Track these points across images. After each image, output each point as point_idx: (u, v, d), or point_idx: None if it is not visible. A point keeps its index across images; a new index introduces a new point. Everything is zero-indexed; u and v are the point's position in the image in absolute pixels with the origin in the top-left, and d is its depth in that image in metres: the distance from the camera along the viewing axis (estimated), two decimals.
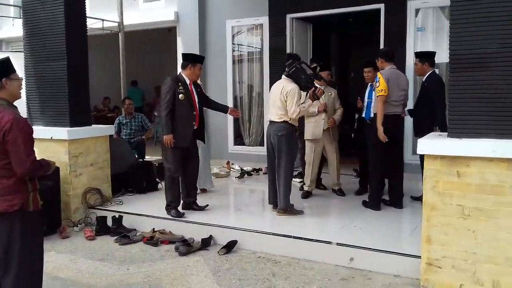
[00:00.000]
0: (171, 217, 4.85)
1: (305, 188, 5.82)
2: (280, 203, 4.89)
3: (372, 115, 5.36)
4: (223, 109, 5.39)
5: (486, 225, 3.24)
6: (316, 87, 4.80)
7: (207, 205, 5.19)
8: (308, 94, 4.85)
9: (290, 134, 4.83)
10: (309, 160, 5.73)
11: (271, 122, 4.92)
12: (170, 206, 4.94)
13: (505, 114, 3.21)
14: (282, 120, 4.79)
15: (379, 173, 5.04)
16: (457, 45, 3.35)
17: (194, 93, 4.97)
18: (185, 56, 5.06)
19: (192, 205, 5.13)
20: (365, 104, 5.57)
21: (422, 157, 3.82)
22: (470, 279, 3.28)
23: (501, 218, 3.19)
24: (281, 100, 4.75)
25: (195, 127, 4.96)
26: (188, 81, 4.90)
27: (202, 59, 5.15)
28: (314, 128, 5.63)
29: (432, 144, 3.40)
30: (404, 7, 6.45)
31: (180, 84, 4.83)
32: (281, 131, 4.79)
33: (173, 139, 4.77)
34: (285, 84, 4.78)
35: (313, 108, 5.37)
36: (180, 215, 4.87)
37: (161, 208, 5.02)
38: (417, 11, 6.46)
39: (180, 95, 4.78)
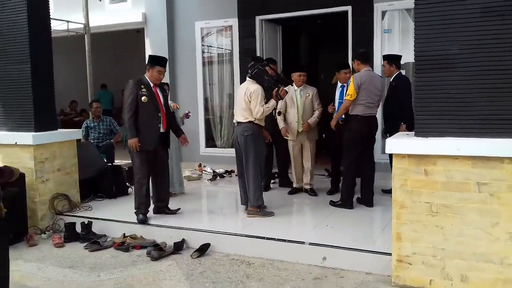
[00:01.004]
0: None
1: (294, 185, 6.04)
2: (250, 202, 4.92)
3: (343, 116, 5.45)
4: (178, 131, 5.19)
5: (453, 222, 3.33)
6: (279, 87, 4.84)
7: (179, 208, 5.13)
8: (273, 94, 4.89)
9: (256, 134, 4.88)
10: (291, 160, 5.97)
11: (238, 123, 4.99)
12: (137, 212, 4.87)
13: (468, 113, 3.31)
14: (247, 120, 4.86)
15: (352, 173, 5.11)
16: (421, 46, 3.43)
17: (160, 96, 4.85)
18: (148, 58, 5.04)
19: (163, 209, 5.06)
20: (336, 104, 5.63)
21: (391, 156, 3.89)
22: (440, 274, 3.36)
23: (467, 214, 3.29)
24: (245, 101, 4.83)
25: (162, 130, 4.85)
26: (151, 83, 4.79)
27: (162, 62, 4.86)
28: (289, 130, 5.80)
29: (400, 143, 3.47)
30: (371, 9, 6.58)
31: (142, 86, 4.72)
32: (247, 131, 4.86)
33: (138, 142, 4.68)
34: (248, 86, 4.88)
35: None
36: (143, 221, 4.77)
37: (131, 213, 4.94)
38: (383, 13, 6.60)
39: (143, 97, 4.68)
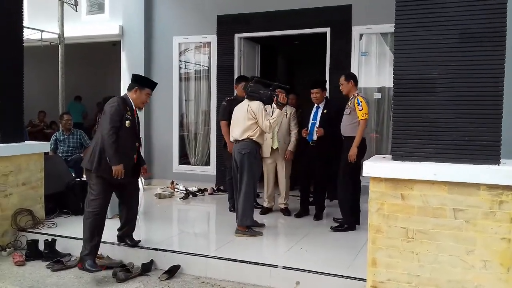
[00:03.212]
0: (110, 241, 4.56)
1: (264, 204, 5.91)
2: (238, 221, 4.84)
3: (315, 137, 5.48)
4: (140, 160, 4.50)
5: (428, 248, 3.28)
6: (277, 96, 4.81)
7: (139, 240, 4.53)
8: (274, 105, 4.92)
9: (254, 152, 4.85)
10: (265, 177, 5.89)
11: (236, 141, 4.96)
12: (86, 255, 4.10)
13: (446, 138, 3.29)
14: (246, 137, 4.84)
15: (354, 194, 5.14)
16: (400, 70, 3.42)
17: (137, 122, 4.34)
18: (134, 77, 4.41)
19: (125, 239, 4.49)
20: (309, 125, 5.60)
21: None
22: None
23: (442, 241, 3.24)
24: (248, 118, 4.83)
25: (133, 161, 4.32)
26: (134, 106, 4.27)
27: (153, 85, 4.39)
28: (263, 147, 5.65)
29: (377, 166, 3.42)
30: (349, 32, 6.63)
31: (128, 108, 4.17)
32: (245, 149, 4.83)
33: (123, 169, 4.08)
34: (249, 103, 4.88)
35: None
36: (92, 268, 4.04)
37: None
38: (361, 36, 6.66)
39: (127, 122, 4.11)
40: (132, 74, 4.46)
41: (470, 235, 3.17)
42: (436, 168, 3.22)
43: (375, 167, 3.41)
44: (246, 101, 4.97)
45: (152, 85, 4.37)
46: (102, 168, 4.07)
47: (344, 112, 5.21)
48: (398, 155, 3.44)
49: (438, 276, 3.25)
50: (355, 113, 5.01)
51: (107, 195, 4.22)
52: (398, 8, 3.41)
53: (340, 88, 5.30)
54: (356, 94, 5.10)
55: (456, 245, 3.21)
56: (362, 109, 4.96)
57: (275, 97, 4.80)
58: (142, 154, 4.59)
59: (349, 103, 5.13)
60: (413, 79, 3.37)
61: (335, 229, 5.11)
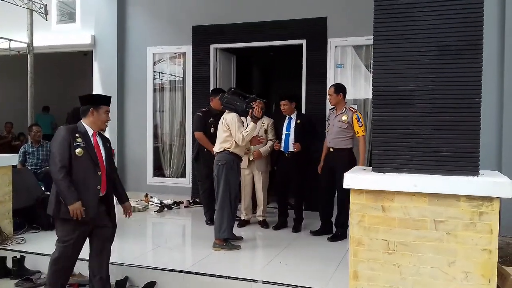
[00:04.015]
0: (82, 257, 4.37)
1: (242, 216, 5.84)
2: (215, 234, 4.77)
3: (291, 148, 5.50)
4: (122, 196, 3.93)
5: (410, 260, 3.26)
6: (252, 108, 4.76)
7: None
8: (249, 117, 4.84)
9: (230, 163, 4.79)
10: (241, 189, 5.77)
11: (215, 153, 4.94)
12: None
13: (425, 150, 3.30)
14: (222, 149, 4.82)
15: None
16: (379, 82, 3.42)
17: (101, 146, 3.70)
18: (84, 99, 3.74)
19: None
20: (283, 136, 5.60)
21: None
22: None
23: (423, 253, 3.23)
24: (223, 130, 4.82)
25: (100, 194, 3.65)
26: (90, 132, 3.66)
27: (108, 100, 3.82)
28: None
29: (357, 178, 3.40)
30: (325, 44, 6.68)
31: (78, 135, 3.57)
32: (221, 161, 4.80)
33: (82, 206, 3.47)
34: (225, 116, 4.88)
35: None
36: None
37: None
38: (336, 48, 6.71)
39: (77, 150, 3.51)
40: (79, 97, 3.76)
41: (451, 246, 3.17)
42: (416, 180, 3.22)
43: (355, 179, 3.39)
44: (224, 114, 4.95)
45: (107, 100, 3.80)
46: (62, 211, 3.51)
47: (333, 124, 5.26)
48: (378, 166, 3.42)
49: None
50: (352, 128, 5.14)
51: (77, 241, 3.60)
52: (376, 20, 3.42)
53: (329, 99, 5.35)
54: (353, 109, 5.23)
55: (437, 256, 3.20)
56: (362, 125, 5.15)
57: (251, 109, 4.76)
58: (119, 183, 3.97)
59: (345, 117, 5.18)
60: (391, 91, 3.38)
61: (331, 239, 5.17)
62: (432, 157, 3.28)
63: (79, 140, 3.55)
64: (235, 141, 4.77)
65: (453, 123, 3.23)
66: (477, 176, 3.17)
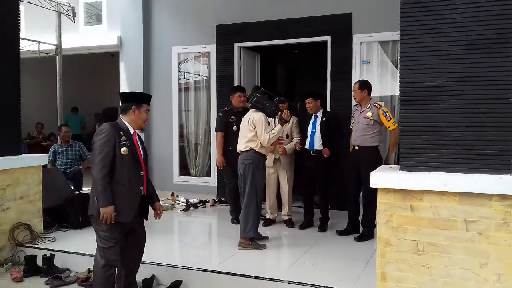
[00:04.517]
0: None
1: (267, 215, 5.81)
2: (240, 233, 4.75)
3: (316, 146, 5.46)
4: (153, 196, 3.76)
5: (440, 261, 3.18)
6: (282, 111, 4.78)
7: None
8: (277, 119, 4.85)
9: (256, 163, 4.76)
10: (266, 188, 5.73)
11: (239, 152, 4.90)
12: None
13: (455, 148, 3.20)
14: (248, 148, 4.78)
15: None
16: (407, 78, 3.34)
17: (140, 146, 3.56)
18: (126, 96, 3.64)
19: None
20: (309, 134, 5.54)
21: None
22: None
23: (454, 254, 3.15)
24: (249, 130, 4.77)
25: (142, 193, 3.54)
26: (131, 130, 3.51)
27: (149, 99, 3.69)
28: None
29: (385, 177, 3.32)
30: (350, 40, 6.57)
31: (122, 133, 3.42)
32: (247, 160, 4.76)
33: (114, 211, 3.35)
34: (251, 115, 4.83)
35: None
36: None
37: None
38: (362, 44, 6.60)
39: (123, 149, 3.36)
40: (120, 94, 3.71)
41: (483, 247, 3.08)
42: (446, 178, 3.13)
43: (382, 178, 3.32)
44: (250, 112, 4.91)
45: (149, 99, 3.68)
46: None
47: (358, 121, 5.16)
48: (406, 165, 3.34)
49: None
50: (379, 124, 5.05)
51: (120, 241, 3.44)
52: (403, 15, 3.33)
53: (353, 95, 5.27)
54: (377, 105, 5.12)
55: (468, 258, 3.11)
56: (391, 118, 5.06)
57: (280, 112, 4.75)
58: (151, 184, 3.78)
59: (370, 113, 5.07)
60: (420, 87, 3.29)
61: (358, 238, 5.09)
62: (463, 154, 3.18)
63: (124, 138, 3.40)
64: (260, 141, 4.74)
65: (484, 119, 3.13)
66: (510, 174, 3.05)
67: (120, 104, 3.61)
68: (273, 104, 4.77)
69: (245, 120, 4.89)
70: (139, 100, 3.57)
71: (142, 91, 7.88)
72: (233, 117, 5.75)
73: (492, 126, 3.12)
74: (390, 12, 5.71)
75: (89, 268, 4.30)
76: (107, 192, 3.30)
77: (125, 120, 3.50)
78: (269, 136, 4.69)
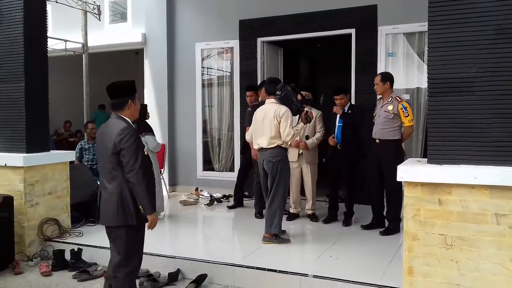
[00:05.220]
0: None
1: (291, 210, 5.80)
2: (266, 227, 4.72)
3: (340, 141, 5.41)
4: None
5: (469, 255, 3.11)
6: (307, 110, 4.73)
7: None
8: (300, 118, 4.78)
9: (284, 159, 4.72)
10: (290, 182, 5.65)
11: (262, 149, 4.76)
12: None
13: (486, 140, 3.12)
14: (275, 145, 4.67)
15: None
16: (435, 69, 3.27)
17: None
18: (118, 89, 3.23)
19: None
20: (336, 128, 5.48)
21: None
22: None
23: (483, 248, 3.08)
24: (275, 124, 4.63)
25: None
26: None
27: (135, 84, 3.37)
28: (290, 150, 5.53)
29: (412, 170, 3.27)
30: (375, 32, 6.46)
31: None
32: (276, 157, 4.66)
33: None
34: (277, 108, 4.67)
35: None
36: None
37: None
38: (387, 36, 6.48)
39: (145, 149, 3.25)
40: (110, 88, 3.24)
41: None
42: (476, 171, 3.06)
43: (410, 171, 3.26)
44: (272, 105, 4.73)
45: (135, 85, 3.35)
46: (140, 219, 3.15)
47: (379, 115, 5.10)
48: (435, 158, 3.27)
49: (479, 285, 3.08)
50: (399, 118, 4.96)
51: (141, 246, 3.30)
52: (431, 4, 3.26)
53: (375, 88, 5.18)
54: (398, 99, 5.03)
55: (498, 252, 3.04)
56: (409, 115, 4.96)
57: (305, 111, 4.69)
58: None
59: (391, 107, 5.00)
60: (448, 78, 3.22)
61: (383, 233, 5.03)
62: (493, 147, 3.11)
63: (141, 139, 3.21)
64: (282, 135, 4.61)
65: None
66: None
67: (110, 99, 3.23)
68: (299, 102, 4.70)
69: (270, 113, 4.68)
70: (132, 90, 3.27)
71: (166, 87, 7.98)
72: None
73: None
74: (417, 2, 5.60)
75: None
76: (153, 198, 3.19)
77: (124, 116, 3.19)
78: (294, 131, 4.64)
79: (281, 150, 4.70)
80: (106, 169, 3.15)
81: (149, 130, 5.96)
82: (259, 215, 5.81)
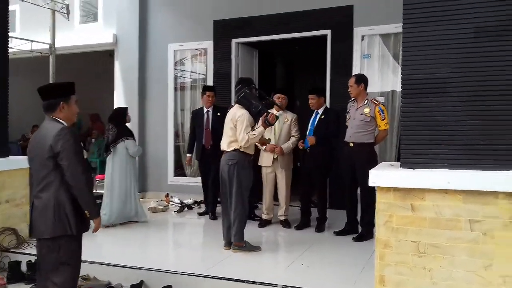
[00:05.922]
0: (97, 260, 4.24)
1: (263, 216, 5.65)
2: (234, 238, 4.53)
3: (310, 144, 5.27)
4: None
5: (442, 263, 2.98)
6: (268, 113, 4.49)
7: None
8: (260, 120, 4.55)
9: (242, 163, 4.48)
10: (263, 187, 5.58)
11: (223, 151, 4.61)
12: None
13: (460, 143, 3.00)
14: (232, 148, 4.49)
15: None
16: (409, 69, 3.14)
17: None
18: (48, 91, 3.05)
19: None
20: (307, 132, 5.36)
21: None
22: None
23: (457, 255, 2.95)
24: (231, 128, 4.48)
25: None
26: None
27: (74, 87, 3.17)
28: (264, 155, 5.49)
29: (384, 175, 3.12)
30: (351, 34, 6.36)
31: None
32: (231, 160, 4.48)
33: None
34: (235, 111, 4.51)
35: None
36: None
37: (86, 250, 4.40)
38: (363, 37, 6.38)
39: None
40: (42, 89, 3.05)
41: (488, 248, 2.88)
42: (449, 176, 2.93)
43: (382, 176, 3.12)
44: (234, 107, 4.60)
45: (73, 87, 3.16)
46: (84, 225, 3.00)
47: (354, 117, 4.97)
48: (407, 162, 3.14)
49: None
50: (375, 121, 4.86)
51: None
52: (406, 1, 3.13)
53: (349, 90, 5.05)
54: (375, 102, 4.93)
55: (472, 259, 2.92)
56: (385, 118, 4.87)
57: (265, 114, 4.47)
58: None
59: (367, 109, 4.88)
60: (422, 78, 3.10)
61: (357, 239, 4.91)
62: (468, 150, 2.99)
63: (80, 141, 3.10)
64: (237, 140, 4.43)
65: (491, 112, 2.93)
66: None
67: (42, 101, 3.04)
68: (259, 104, 4.48)
69: (229, 117, 4.57)
70: (66, 92, 3.07)
71: (137, 89, 7.74)
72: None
73: (499, 120, 2.92)
74: (392, 3, 5.51)
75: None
76: (96, 202, 3.06)
77: (59, 118, 3.00)
78: (248, 137, 4.39)
79: (239, 154, 4.48)
80: (39, 177, 2.94)
81: (129, 135, 5.74)
82: (212, 216, 5.93)
